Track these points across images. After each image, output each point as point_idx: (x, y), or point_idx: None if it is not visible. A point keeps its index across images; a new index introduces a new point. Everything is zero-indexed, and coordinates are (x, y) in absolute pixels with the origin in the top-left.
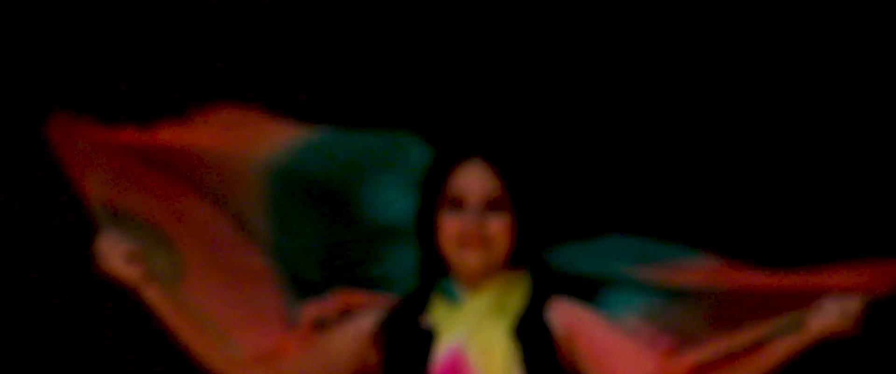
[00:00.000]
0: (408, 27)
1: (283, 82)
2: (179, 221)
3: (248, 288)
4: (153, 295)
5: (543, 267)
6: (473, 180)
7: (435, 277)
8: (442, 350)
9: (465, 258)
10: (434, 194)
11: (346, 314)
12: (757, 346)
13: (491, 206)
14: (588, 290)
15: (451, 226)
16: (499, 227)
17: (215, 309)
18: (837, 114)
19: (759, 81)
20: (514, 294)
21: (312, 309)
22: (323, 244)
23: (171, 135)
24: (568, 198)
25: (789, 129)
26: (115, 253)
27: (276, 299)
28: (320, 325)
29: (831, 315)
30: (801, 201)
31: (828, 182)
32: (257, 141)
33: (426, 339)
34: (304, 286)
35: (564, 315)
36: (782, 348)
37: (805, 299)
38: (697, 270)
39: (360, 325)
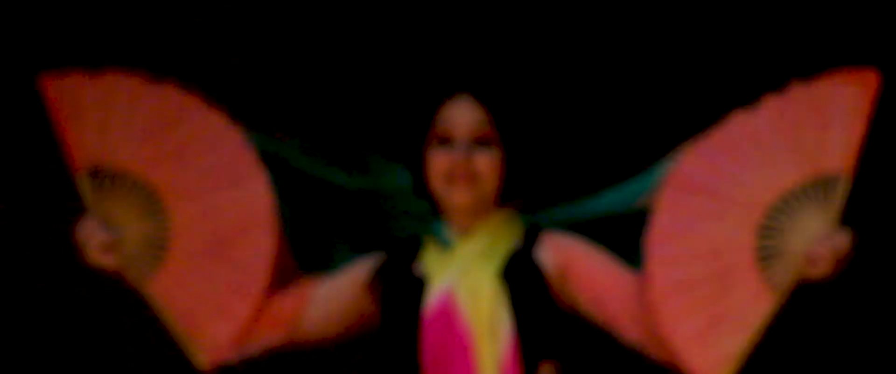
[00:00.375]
0: None
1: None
2: (170, 169)
3: (237, 246)
4: (133, 282)
5: (537, 207)
6: (461, 116)
7: (427, 221)
8: (433, 295)
9: (453, 195)
10: (422, 131)
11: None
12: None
13: (479, 142)
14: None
15: (438, 162)
16: (487, 162)
17: (189, 293)
18: None
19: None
20: (506, 235)
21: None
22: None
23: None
24: (557, 134)
25: None
26: (91, 243)
27: (267, 260)
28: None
29: (819, 261)
30: None
31: None
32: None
33: (418, 285)
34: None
35: (555, 252)
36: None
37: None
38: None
39: (356, 276)
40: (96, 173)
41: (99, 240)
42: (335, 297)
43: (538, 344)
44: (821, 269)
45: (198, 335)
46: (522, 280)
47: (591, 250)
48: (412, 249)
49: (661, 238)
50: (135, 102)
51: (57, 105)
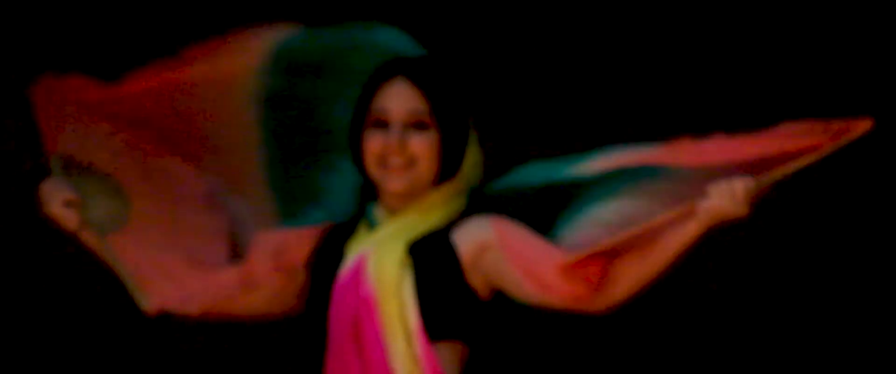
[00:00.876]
0: None
1: None
2: (141, 178)
3: (190, 242)
4: (89, 240)
5: (480, 188)
6: (396, 98)
7: (364, 203)
8: (346, 264)
9: (388, 182)
10: (362, 114)
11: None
12: (653, 238)
13: (415, 125)
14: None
15: (373, 144)
16: (422, 145)
17: (141, 257)
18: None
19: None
20: (433, 216)
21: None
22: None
23: (157, 79)
24: (493, 116)
25: None
26: (54, 198)
27: (219, 256)
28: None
29: (719, 198)
30: None
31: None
32: (238, 67)
33: (338, 259)
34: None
35: (472, 234)
36: (677, 236)
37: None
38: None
39: (297, 254)
40: (68, 164)
41: (63, 196)
42: (279, 276)
43: (439, 320)
44: (726, 203)
45: (146, 285)
46: (429, 257)
47: (512, 234)
48: (348, 229)
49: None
50: (113, 135)
51: (42, 107)
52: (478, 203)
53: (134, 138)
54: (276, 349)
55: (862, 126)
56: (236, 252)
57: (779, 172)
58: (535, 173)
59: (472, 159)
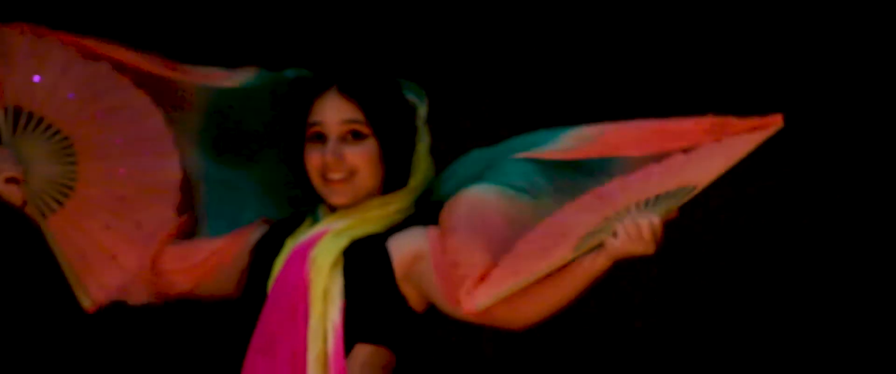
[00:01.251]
0: None
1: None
2: (91, 124)
3: (141, 209)
4: (33, 215)
5: (426, 196)
6: (329, 110)
7: (310, 202)
8: (283, 259)
9: (330, 197)
10: (298, 129)
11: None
12: (562, 270)
13: (353, 135)
14: None
15: (312, 159)
16: (360, 157)
17: (84, 238)
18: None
19: None
20: (376, 219)
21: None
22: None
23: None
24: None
25: None
26: None
27: (170, 220)
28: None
29: (626, 238)
30: None
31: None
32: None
33: (276, 251)
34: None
35: (407, 243)
36: (586, 268)
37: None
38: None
39: (243, 244)
40: (17, 112)
41: (6, 173)
42: (218, 259)
43: (362, 322)
44: (633, 244)
45: (86, 276)
46: (361, 260)
47: (442, 248)
48: (292, 223)
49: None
50: (69, 66)
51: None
52: (424, 210)
53: (87, 73)
54: (203, 332)
55: (774, 123)
56: (183, 205)
57: (683, 197)
58: (475, 163)
59: (423, 165)
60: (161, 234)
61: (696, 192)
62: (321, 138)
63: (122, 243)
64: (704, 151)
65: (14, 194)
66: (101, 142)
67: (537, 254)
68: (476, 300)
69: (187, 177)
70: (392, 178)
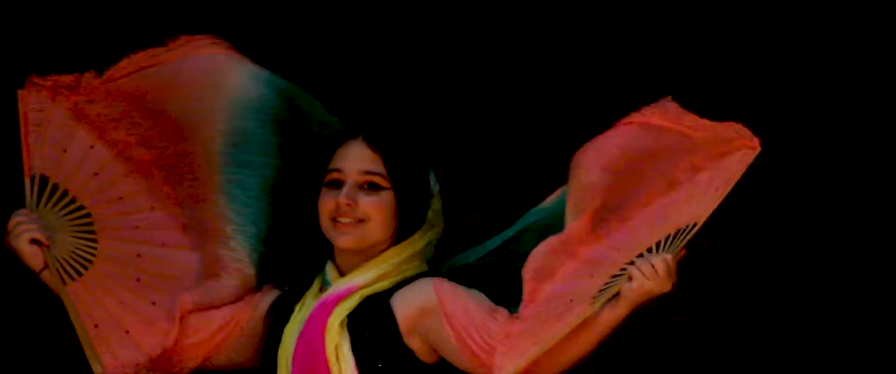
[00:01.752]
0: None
1: None
2: (114, 202)
3: (156, 291)
4: (49, 282)
5: (436, 258)
6: (351, 159)
7: (320, 261)
8: (296, 320)
9: (337, 239)
10: (317, 174)
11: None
12: (582, 325)
13: (369, 185)
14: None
15: (326, 203)
16: (374, 206)
17: (100, 310)
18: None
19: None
20: (384, 277)
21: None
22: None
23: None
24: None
25: None
26: (22, 233)
27: (186, 302)
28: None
29: (642, 279)
30: None
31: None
32: (222, 75)
33: (288, 317)
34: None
35: (412, 298)
36: (606, 317)
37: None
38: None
39: (253, 312)
40: (44, 182)
41: (30, 234)
42: (229, 330)
43: None
44: (649, 283)
45: (100, 345)
46: (366, 319)
47: (450, 305)
48: (303, 287)
49: (542, 295)
50: (95, 145)
51: (26, 112)
52: (433, 273)
53: (112, 147)
54: None
55: (752, 146)
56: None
57: (686, 236)
58: (483, 247)
59: (433, 216)
60: (176, 313)
61: (697, 228)
62: (338, 185)
63: (137, 321)
64: (691, 189)
65: (36, 257)
66: (120, 224)
67: (554, 319)
68: (502, 371)
69: (205, 266)
70: (404, 229)
